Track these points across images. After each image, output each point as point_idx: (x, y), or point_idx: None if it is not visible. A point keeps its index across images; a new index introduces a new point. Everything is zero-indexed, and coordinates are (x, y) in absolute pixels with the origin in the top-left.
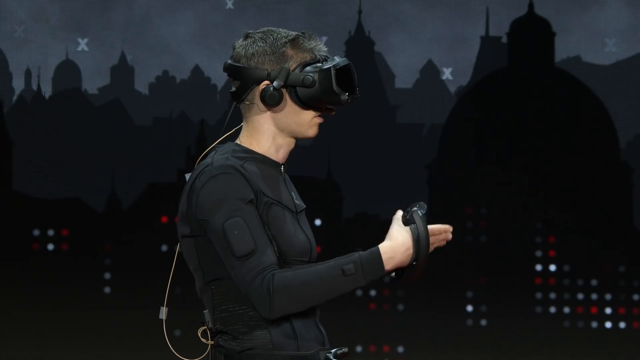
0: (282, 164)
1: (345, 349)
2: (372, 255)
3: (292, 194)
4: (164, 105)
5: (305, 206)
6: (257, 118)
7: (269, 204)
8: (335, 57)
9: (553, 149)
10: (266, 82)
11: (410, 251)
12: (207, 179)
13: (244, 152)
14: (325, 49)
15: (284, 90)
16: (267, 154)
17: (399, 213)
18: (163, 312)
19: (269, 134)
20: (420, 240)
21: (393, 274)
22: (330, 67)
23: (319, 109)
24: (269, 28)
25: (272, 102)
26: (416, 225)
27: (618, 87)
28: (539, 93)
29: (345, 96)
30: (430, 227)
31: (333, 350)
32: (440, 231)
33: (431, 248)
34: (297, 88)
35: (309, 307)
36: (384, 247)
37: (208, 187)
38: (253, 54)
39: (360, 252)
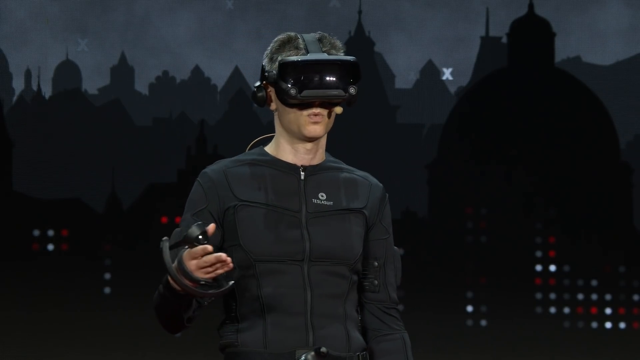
0: (302, 166)
1: (323, 349)
2: (165, 277)
3: (321, 195)
4: (164, 105)
5: (351, 207)
6: (274, 120)
7: (238, 206)
8: (314, 53)
9: (553, 149)
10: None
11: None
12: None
13: (252, 155)
14: (326, 49)
15: (272, 92)
16: (281, 157)
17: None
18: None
19: (281, 135)
20: (167, 268)
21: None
22: (278, 63)
23: (305, 106)
24: (286, 33)
25: (254, 100)
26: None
27: (618, 87)
28: (539, 93)
29: (293, 91)
30: (188, 252)
31: (310, 352)
32: (192, 255)
33: (202, 272)
34: (274, 86)
35: (174, 320)
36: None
37: None
38: (263, 59)
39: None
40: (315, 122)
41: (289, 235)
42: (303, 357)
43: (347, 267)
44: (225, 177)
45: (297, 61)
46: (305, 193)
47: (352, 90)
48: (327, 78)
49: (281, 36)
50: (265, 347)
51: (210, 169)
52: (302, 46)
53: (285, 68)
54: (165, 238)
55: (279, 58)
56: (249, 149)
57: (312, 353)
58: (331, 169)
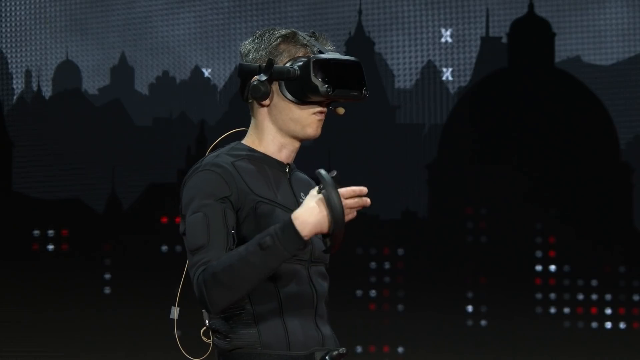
0: (287, 164)
1: (342, 350)
2: (286, 223)
3: (301, 194)
4: (164, 105)
5: None
6: (257, 115)
7: (256, 202)
8: (330, 53)
9: (553, 149)
10: (256, 76)
11: (324, 212)
12: (190, 176)
13: (242, 150)
14: (331, 48)
15: (274, 86)
16: (268, 153)
17: (315, 189)
18: (174, 312)
19: (269, 131)
20: (330, 200)
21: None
22: (309, 59)
23: (312, 104)
24: (273, 27)
25: (256, 94)
26: (324, 186)
27: (618, 87)
28: (539, 93)
29: (324, 88)
30: (341, 190)
31: (334, 352)
32: (350, 194)
33: (347, 212)
34: (284, 81)
35: (244, 291)
36: (296, 212)
37: (188, 184)
38: (249, 51)
39: (276, 224)
40: (320, 121)
41: None
42: (327, 358)
43: (325, 267)
44: (237, 171)
45: (333, 59)
46: (294, 192)
47: (365, 91)
48: (352, 79)
49: (281, 31)
50: (289, 348)
51: (220, 161)
52: (311, 44)
53: (320, 65)
54: (322, 172)
55: (293, 54)
56: (215, 145)
57: (335, 354)
58: (294, 169)
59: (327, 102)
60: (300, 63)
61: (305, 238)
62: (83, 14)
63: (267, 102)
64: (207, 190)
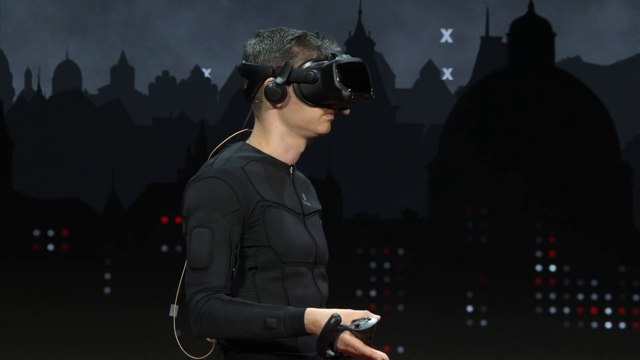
0: (291, 166)
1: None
2: (297, 315)
3: (303, 195)
4: (164, 105)
5: (319, 208)
6: (266, 116)
7: (265, 206)
8: (343, 55)
9: (553, 149)
10: (271, 78)
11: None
12: (199, 178)
13: (251, 152)
14: (338, 49)
15: (289, 87)
16: (275, 155)
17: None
18: (174, 310)
19: (277, 133)
20: (324, 332)
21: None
22: (332, 63)
23: (326, 106)
24: (280, 27)
25: (274, 97)
26: (327, 322)
27: (618, 87)
28: (539, 93)
29: (347, 92)
30: (348, 338)
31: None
32: (351, 343)
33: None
34: (301, 84)
35: (233, 338)
36: (313, 310)
37: (197, 186)
38: (260, 52)
39: (289, 309)
40: (330, 120)
41: (304, 238)
42: (334, 320)
43: (324, 267)
44: (247, 176)
45: (352, 63)
46: (297, 193)
47: (372, 92)
48: (366, 80)
49: (292, 31)
50: (297, 350)
51: (230, 167)
52: (324, 46)
53: (341, 69)
54: (337, 316)
55: (308, 57)
56: (221, 146)
57: (332, 321)
58: (295, 169)
59: (340, 103)
60: (322, 66)
61: (307, 332)
62: (83, 14)
63: (279, 104)
64: (216, 203)
